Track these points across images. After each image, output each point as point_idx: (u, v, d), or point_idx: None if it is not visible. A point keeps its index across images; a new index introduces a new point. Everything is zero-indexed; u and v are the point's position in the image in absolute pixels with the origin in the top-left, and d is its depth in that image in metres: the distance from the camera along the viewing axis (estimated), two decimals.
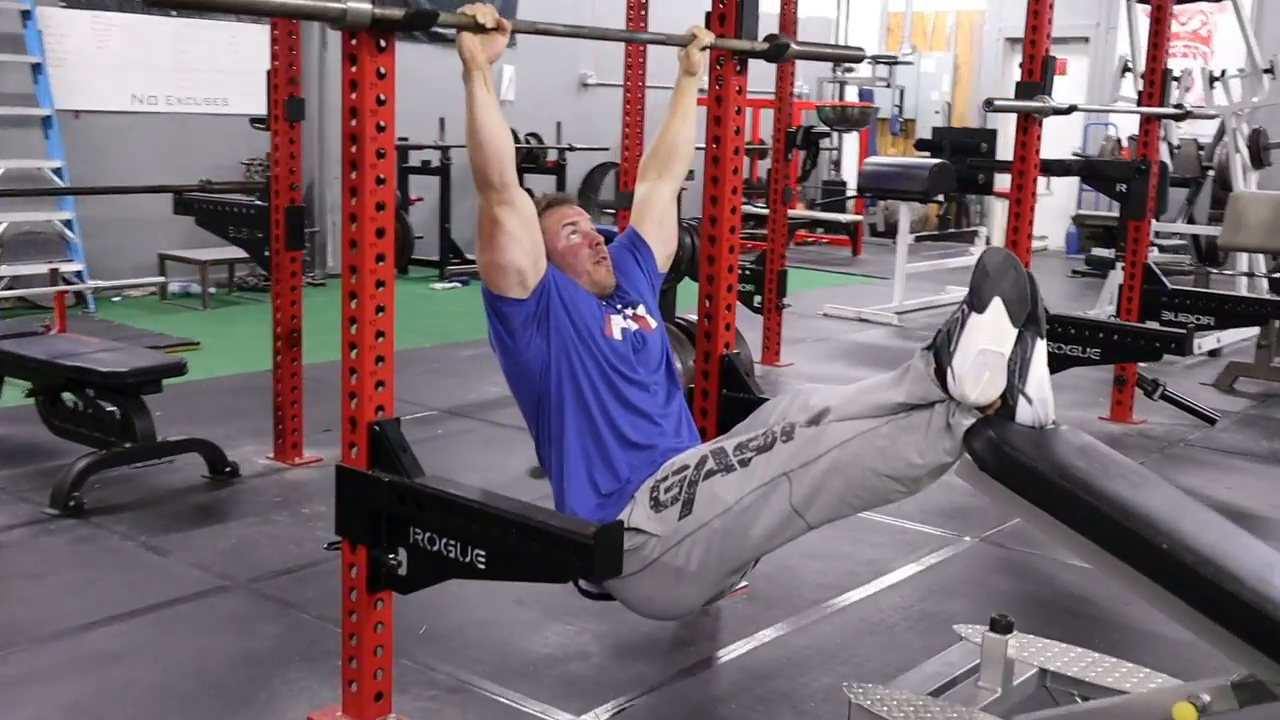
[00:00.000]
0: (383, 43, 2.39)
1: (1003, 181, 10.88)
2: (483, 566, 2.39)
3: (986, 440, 2.24)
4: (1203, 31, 11.41)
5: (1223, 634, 2.02)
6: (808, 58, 3.38)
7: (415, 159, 9.26)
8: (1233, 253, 7.04)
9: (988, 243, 9.69)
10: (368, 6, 2.28)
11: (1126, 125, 11.48)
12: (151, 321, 7.10)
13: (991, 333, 2.24)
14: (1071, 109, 4.54)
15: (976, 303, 2.26)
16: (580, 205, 9.99)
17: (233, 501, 4.05)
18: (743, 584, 3.42)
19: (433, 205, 9.34)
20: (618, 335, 2.79)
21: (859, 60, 3.55)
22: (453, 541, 2.42)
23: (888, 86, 12.48)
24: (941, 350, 2.28)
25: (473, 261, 9.35)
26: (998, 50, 12.78)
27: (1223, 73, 7.50)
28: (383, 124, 2.42)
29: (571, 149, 10.00)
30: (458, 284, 8.80)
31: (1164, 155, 7.95)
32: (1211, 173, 8.84)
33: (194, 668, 2.87)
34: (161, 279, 7.94)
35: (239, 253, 7.94)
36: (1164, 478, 2.48)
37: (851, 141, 12.62)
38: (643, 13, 5.54)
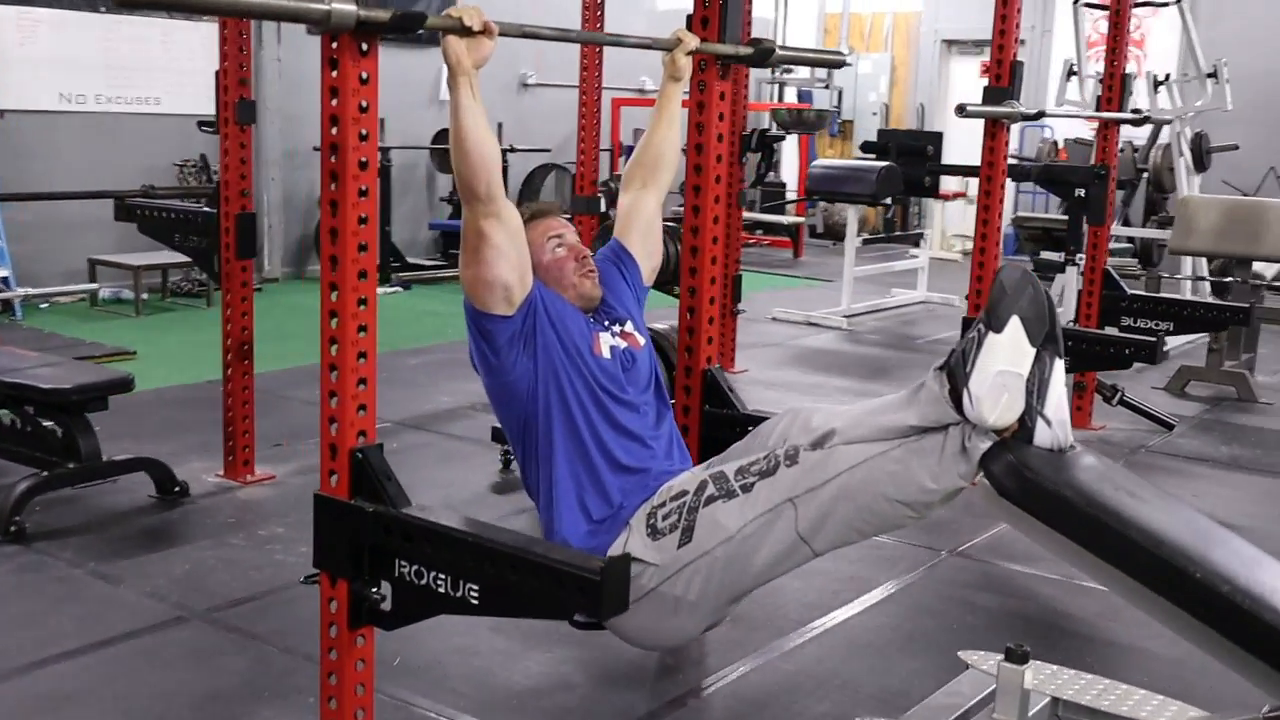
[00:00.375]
0: (365, 46, 2.24)
1: (948, 184, 10.96)
2: (475, 602, 2.26)
3: (1006, 465, 2.16)
4: (1136, 35, 11.51)
5: (1258, 666, 1.95)
6: (792, 62, 3.29)
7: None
8: (1176, 256, 7.06)
9: (924, 244, 9.71)
10: (352, 8, 2.14)
11: (1062, 128, 11.59)
12: (83, 330, 6.84)
13: (1010, 353, 2.16)
14: (1040, 114, 4.49)
15: (994, 322, 2.17)
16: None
17: (184, 524, 3.86)
18: None
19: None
20: (606, 354, 2.68)
21: (840, 65, 3.47)
22: (443, 575, 2.29)
23: (826, 88, 12.46)
24: (956, 371, 2.19)
25: (415, 265, 9.21)
26: (934, 52, 12.82)
27: (1167, 76, 7.54)
28: (365, 133, 2.27)
29: (513, 150, 9.84)
30: (399, 288, 8.61)
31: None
32: (1146, 175, 8.92)
33: (156, 709, 2.71)
34: (92, 285, 7.66)
35: (174, 257, 7.73)
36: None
37: (790, 144, 12.59)
38: (599, 13, 5.43)
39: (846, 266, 8.21)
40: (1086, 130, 11.34)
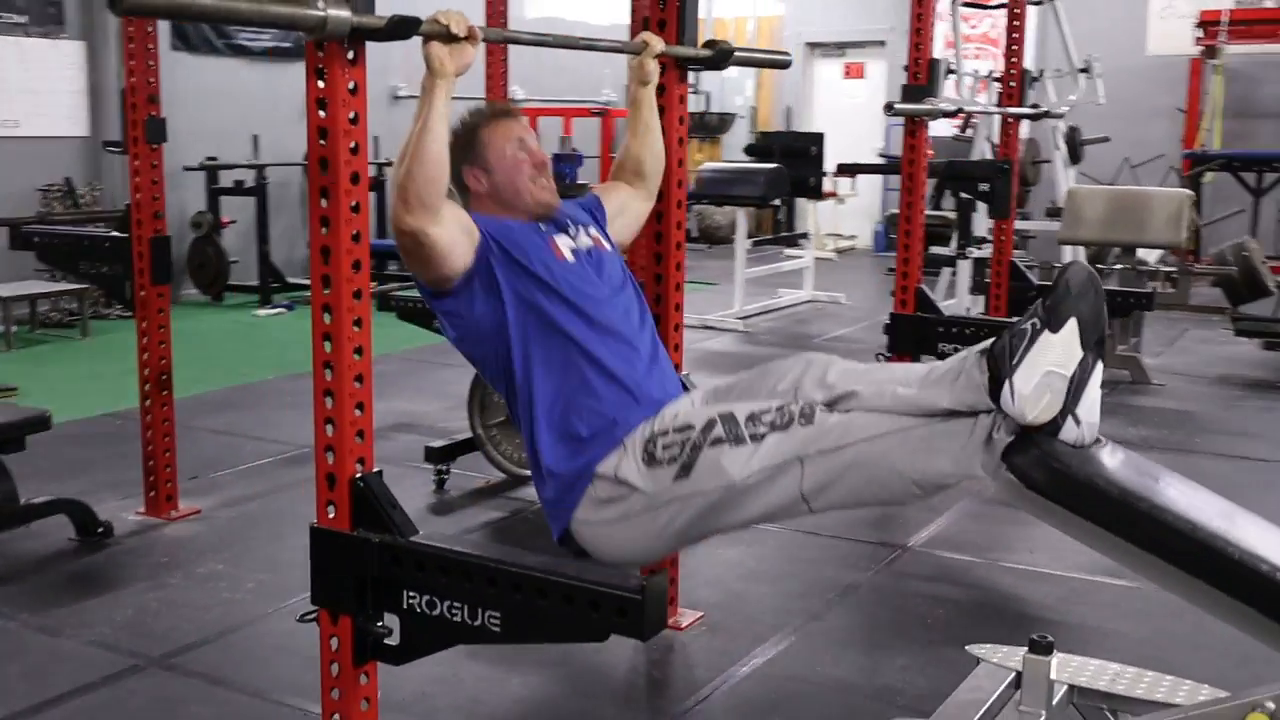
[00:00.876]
0: (353, 54, 2.13)
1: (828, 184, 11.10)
2: (497, 630, 2.16)
3: (1034, 458, 2.14)
4: (992, 34, 11.84)
5: None
6: (745, 64, 3.26)
7: (227, 179, 8.74)
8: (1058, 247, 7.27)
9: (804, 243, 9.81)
10: (347, 14, 2.03)
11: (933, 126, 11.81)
12: None
13: (1061, 354, 2.12)
14: (959, 111, 4.56)
15: (1052, 320, 2.12)
16: None
17: (114, 566, 3.65)
18: (698, 614, 3.27)
19: (246, 227, 8.86)
20: (569, 256, 2.55)
21: (786, 66, 3.45)
22: (459, 604, 2.19)
23: (695, 92, 12.53)
24: (1001, 362, 2.15)
25: (295, 286, 8.94)
26: (799, 55, 12.99)
27: (1040, 73, 7.75)
28: (355, 145, 2.16)
29: (389, 164, 9.64)
30: (283, 309, 8.35)
31: (978, 154, 8.19)
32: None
33: None
34: None
35: (44, 286, 7.39)
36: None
37: None
38: (502, 7, 5.32)
39: (738, 268, 8.25)
40: (950, 128, 11.64)
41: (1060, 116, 6.11)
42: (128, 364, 6.71)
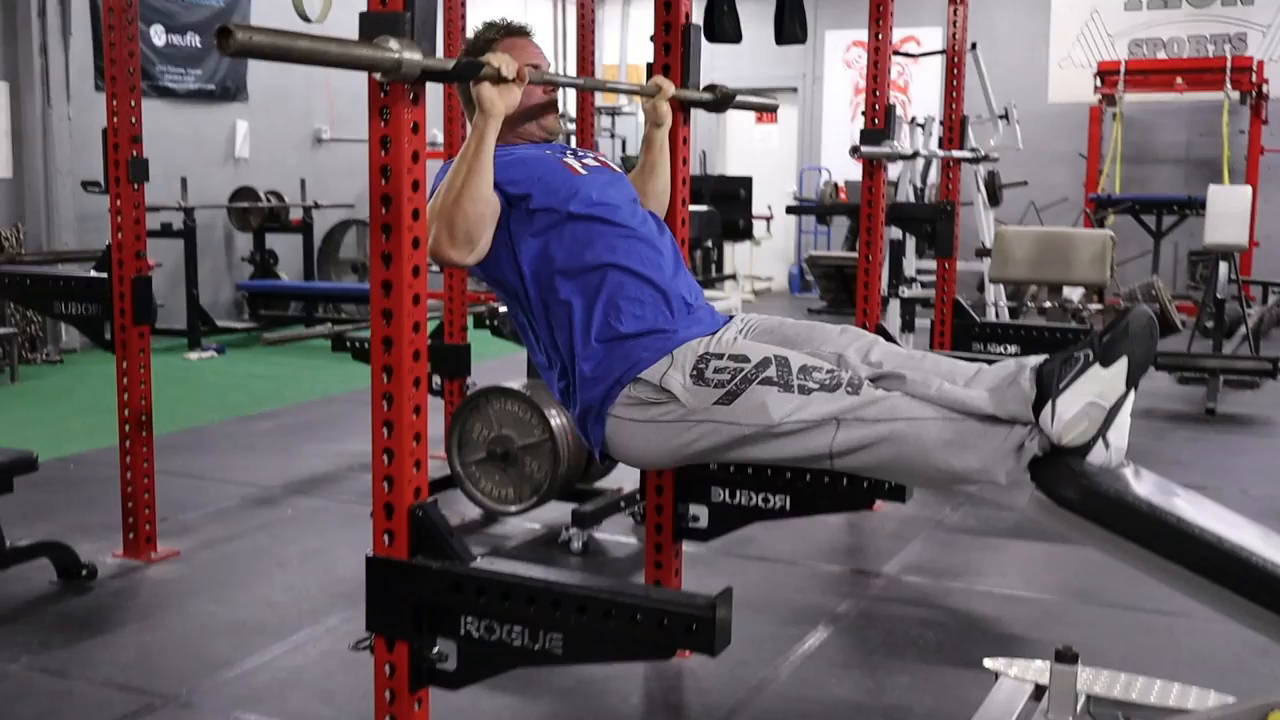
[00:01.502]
0: (414, 95, 2.21)
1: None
2: (559, 652, 2.23)
3: (1064, 475, 2.28)
4: (900, 81, 12.24)
5: None
6: (743, 107, 3.39)
7: (154, 221, 8.63)
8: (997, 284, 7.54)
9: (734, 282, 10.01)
10: (419, 57, 2.10)
11: (840, 170, 12.17)
12: None
13: (1106, 387, 2.24)
14: (915, 155, 4.76)
15: (1106, 356, 2.25)
16: (329, 266, 9.62)
17: (105, 608, 3.61)
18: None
19: (173, 269, 8.75)
20: (583, 170, 2.65)
21: (774, 109, 3.60)
22: (518, 628, 2.25)
23: (612, 136, 12.70)
24: (1049, 383, 2.27)
25: (223, 330, 8.86)
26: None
27: (964, 119, 8.03)
28: (417, 182, 2.23)
29: (317, 206, 9.63)
30: (213, 352, 8.26)
31: (903, 196, 8.46)
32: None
33: None
34: None
35: None
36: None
37: None
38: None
39: None
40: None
41: (996, 160, 6.37)
42: (65, 408, 6.67)
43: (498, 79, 2.38)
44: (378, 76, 2.12)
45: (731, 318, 2.67)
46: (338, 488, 4.96)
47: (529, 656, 2.27)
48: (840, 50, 12.75)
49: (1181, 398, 6.94)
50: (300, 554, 4.10)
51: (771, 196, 12.10)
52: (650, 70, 3.18)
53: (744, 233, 8.29)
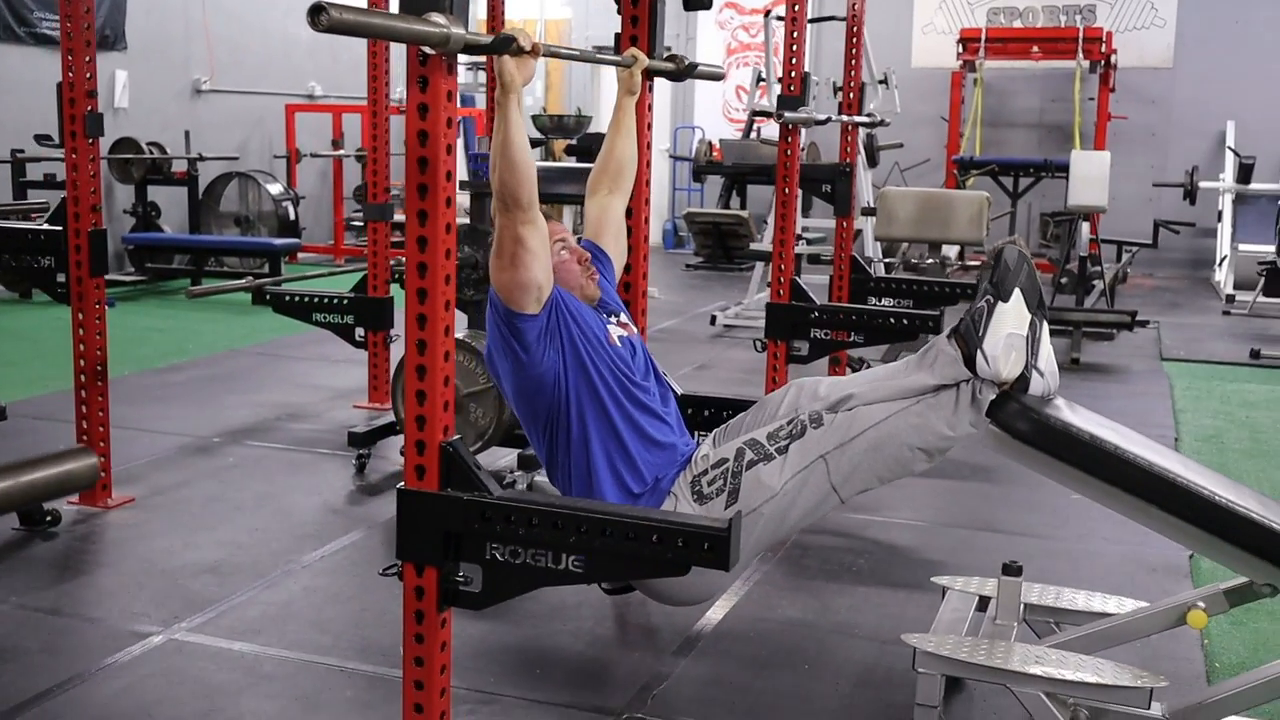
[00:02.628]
0: (450, 66, 2.40)
1: None
2: (580, 571, 2.48)
3: (1014, 411, 2.63)
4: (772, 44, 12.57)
5: (1228, 549, 2.51)
6: (702, 76, 3.63)
7: (36, 172, 8.49)
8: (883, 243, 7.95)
9: None
10: (463, 32, 2.30)
11: (714, 130, 12.50)
12: None
13: (1015, 318, 2.63)
14: (828, 120, 5.07)
15: (1002, 293, 2.63)
16: (210, 219, 9.66)
17: (76, 552, 3.72)
18: None
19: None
20: (617, 342, 2.94)
21: (721, 78, 3.87)
22: (543, 551, 2.49)
23: (486, 92, 12.77)
24: (969, 336, 2.63)
25: (114, 281, 8.75)
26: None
27: (863, 85, 8.41)
28: (450, 146, 2.44)
29: (202, 158, 9.54)
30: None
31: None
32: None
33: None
34: None
35: None
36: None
37: None
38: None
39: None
40: (734, 131, 12.32)
41: (888, 124, 6.74)
42: None
43: (520, 51, 2.59)
44: (426, 48, 2.32)
45: (698, 441, 2.96)
46: (272, 436, 5.08)
47: (551, 576, 2.51)
48: (714, 11, 13.04)
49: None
50: (254, 499, 4.25)
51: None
52: (619, 41, 3.41)
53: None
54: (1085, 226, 8.02)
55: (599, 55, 3.18)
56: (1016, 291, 2.64)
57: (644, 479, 2.83)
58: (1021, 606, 2.89)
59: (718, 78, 3.81)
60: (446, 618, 2.60)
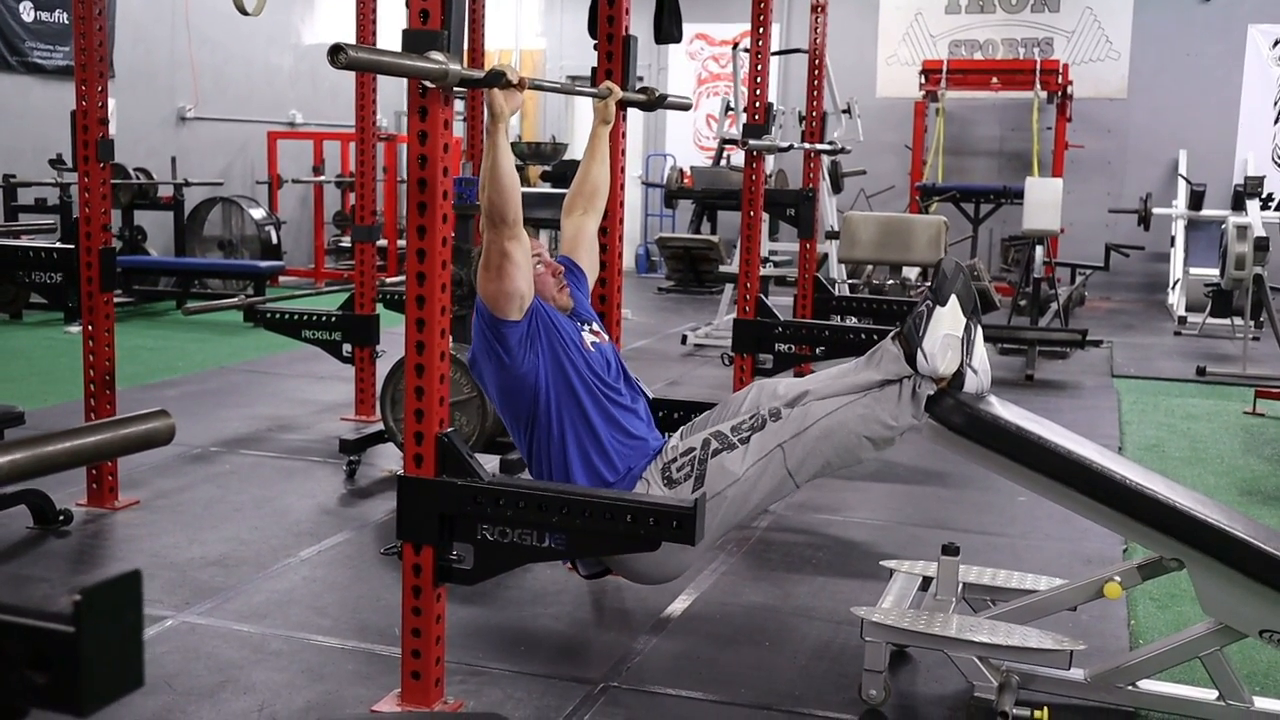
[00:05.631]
0: (447, 97, 2.71)
1: None
2: (562, 549, 2.78)
3: (949, 406, 2.95)
4: (744, 75, 12.94)
5: (1138, 526, 2.83)
6: (669, 107, 3.94)
7: (27, 197, 8.74)
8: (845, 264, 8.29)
9: None
10: (459, 67, 2.61)
11: (685, 157, 12.85)
12: None
13: (951, 321, 2.95)
14: (790, 147, 5.41)
15: (940, 298, 2.96)
16: (194, 243, 9.98)
17: (88, 549, 3.98)
18: None
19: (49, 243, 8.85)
20: (591, 347, 3.24)
21: (687, 108, 4.19)
22: (529, 531, 2.78)
23: (463, 120, 13.08)
24: (911, 337, 2.96)
25: None
26: None
27: (825, 114, 8.77)
28: (446, 169, 2.74)
29: (188, 184, 9.81)
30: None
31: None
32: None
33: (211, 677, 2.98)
34: None
35: None
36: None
37: None
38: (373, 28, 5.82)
39: None
40: (704, 158, 12.67)
41: (849, 152, 7.08)
42: None
43: (506, 84, 2.90)
44: (427, 82, 2.62)
45: (667, 435, 3.28)
46: (265, 445, 5.35)
47: (536, 554, 2.81)
48: (684, 43, 13.39)
49: (1004, 366, 7.81)
50: (253, 501, 4.52)
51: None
52: (595, 74, 3.73)
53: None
54: (1040, 250, 8.37)
55: (577, 88, 3.50)
56: (953, 298, 2.97)
57: (617, 468, 3.13)
58: (960, 585, 3.20)
59: (685, 108, 4.13)
60: (442, 593, 2.89)
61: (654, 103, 3.75)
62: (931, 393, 2.99)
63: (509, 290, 3.06)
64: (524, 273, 3.06)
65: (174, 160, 9.82)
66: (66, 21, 9.33)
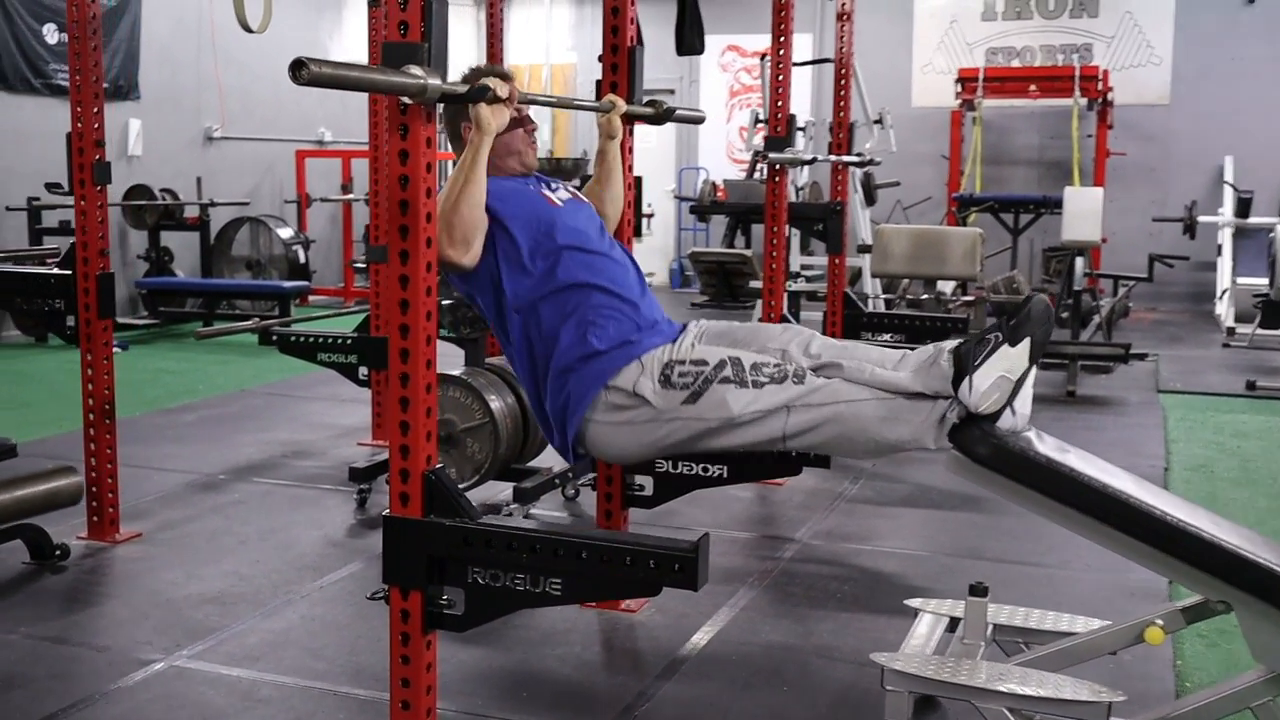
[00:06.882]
0: (429, 114, 2.54)
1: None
2: (558, 594, 2.60)
3: (977, 436, 2.73)
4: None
5: (1182, 567, 2.61)
6: (682, 120, 3.77)
7: (51, 219, 8.69)
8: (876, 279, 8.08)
9: None
10: (439, 82, 2.45)
11: (718, 170, 12.68)
12: None
13: (1013, 363, 2.70)
14: (814, 160, 5.22)
15: (1013, 337, 2.70)
16: (223, 263, 9.85)
17: (84, 584, 3.84)
18: (644, 600, 3.74)
19: None
20: (559, 203, 3.07)
21: (702, 121, 4.01)
22: (521, 575, 2.60)
23: None
24: (966, 361, 2.72)
25: (124, 326, 8.94)
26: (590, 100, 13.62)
27: (852, 125, 8.57)
28: (429, 189, 2.57)
29: (214, 204, 9.74)
30: (117, 348, 8.29)
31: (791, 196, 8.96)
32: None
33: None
34: None
35: None
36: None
37: None
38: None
39: None
40: (737, 171, 12.48)
41: (878, 164, 6.89)
42: None
43: (494, 99, 2.73)
44: (404, 99, 2.46)
45: (687, 326, 3.07)
46: (278, 473, 5.21)
47: (530, 599, 2.63)
48: (715, 54, 13.26)
49: (1044, 381, 7.54)
50: (258, 533, 4.37)
51: (651, 195, 12.53)
52: (599, 88, 3.56)
53: (634, 229, 8.70)
54: (1081, 261, 8.12)
55: (577, 101, 3.33)
56: (1027, 340, 2.71)
57: (608, 334, 2.92)
58: (990, 627, 2.99)
59: (698, 121, 3.96)
60: (432, 640, 2.71)
61: (662, 116, 3.58)
62: (956, 421, 2.77)
63: (477, 272, 2.95)
64: (477, 257, 2.93)
65: (199, 180, 9.75)
66: None
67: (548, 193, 3.08)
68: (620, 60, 3.57)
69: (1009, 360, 2.70)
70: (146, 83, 9.81)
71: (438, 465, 2.68)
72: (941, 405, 2.76)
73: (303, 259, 10.16)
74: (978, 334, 2.78)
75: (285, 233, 10.24)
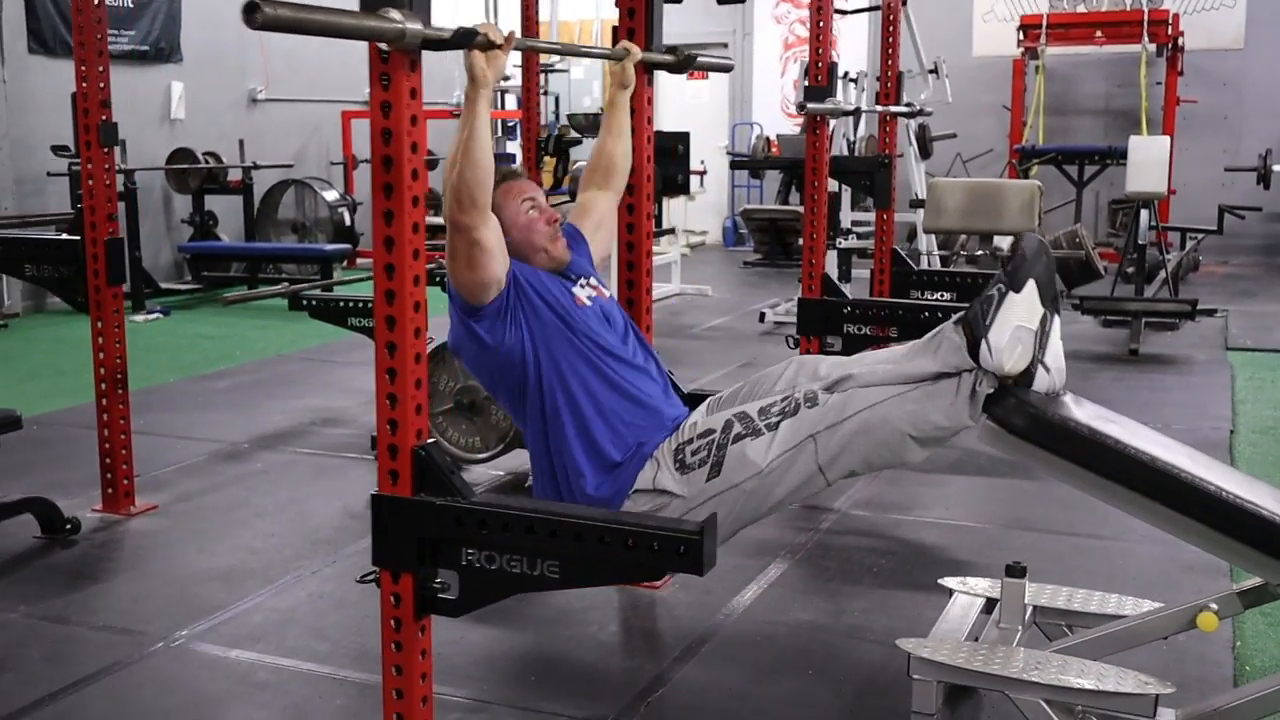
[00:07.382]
0: (413, 63, 2.35)
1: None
2: (555, 577, 2.42)
3: (1012, 406, 2.51)
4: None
5: (1239, 548, 2.38)
6: (702, 68, 3.55)
7: None
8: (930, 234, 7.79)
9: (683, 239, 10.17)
10: (420, 27, 2.25)
11: (771, 124, 12.38)
12: None
13: (1025, 310, 2.49)
14: (857, 110, 4.97)
15: (1015, 283, 2.49)
16: (268, 227, 9.73)
17: (93, 560, 3.73)
18: (668, 576, 3.56)
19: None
20: (586, 303, 2.85)
21: (729, 69, 3.78)
22: (517, 557, 2.43)
23: (545, 94, 12.77)
24: (976, 324, 2.51)
25: (167, 291, 8.89)
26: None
27: (900, 75, 8.26)
28: (415, 144, 2.38)
29: (256, 167, 9.64)
30: (160, 314, 8.27)
31: (837, 149, 8.67)
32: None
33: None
34: None
35: None
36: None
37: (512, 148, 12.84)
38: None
39: (613, 263, 8.51)
40: (792, 126, 12.18)
41: (930, 114, 6.61)
42: (17, 372, 6.70)
43: (488, 45, 2.53)
44: (382, 45, 2.27)
45: (690, 410, 2.87)
46: (304, 441, 5.09)
47: (527, 582, 2.45)
48: (770, 6, 12.93)
49: (1106, 340, 7.26)
50: (275, 505, 4.25)
51: (704, 151, 12.25)
52: (615, 33, 3.34)
53: (682, 188, 8.42)
54: (1145, 214, 7.77)
55: (584, 48, 3.11)
56: (1031, 283, 2.51)
57: (625, 442, 2.74)
58: (1029, 609, 2.78)
59: (725, 69, 3.74)
60: (426, 625, 2.55)
61: (683, 64, 3.36)
62: (992, 391, 2.54)
63: (485, 280, 2.69)
64: (498, 257, 2.69)
65: (241, 143, 9.65)
66: (130, 5, 9.20)
67: (577, 291, 2.87)
68: (638, 4, 3.35)
69: (1019, 308, 2.48)
70: (188, 44, 9.71)
71: (429, 440, 2.52)
72: (967, 379, 2.53)
73: (348, 222, 10.04)
74: (981, 294, 2.55)
75: (331, 195, 10.12)
